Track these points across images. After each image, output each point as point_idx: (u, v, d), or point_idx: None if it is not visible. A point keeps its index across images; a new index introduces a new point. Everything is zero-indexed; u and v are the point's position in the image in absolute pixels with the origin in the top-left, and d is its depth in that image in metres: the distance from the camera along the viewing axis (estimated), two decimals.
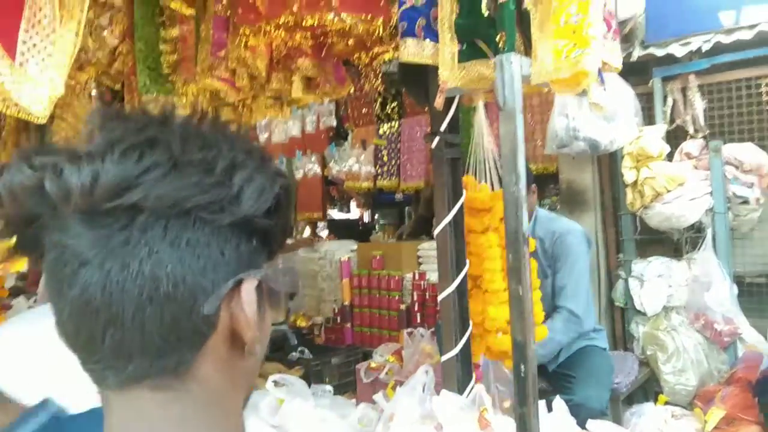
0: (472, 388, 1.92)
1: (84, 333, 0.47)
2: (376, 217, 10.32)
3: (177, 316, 0.47)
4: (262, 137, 4.34)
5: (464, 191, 1.94)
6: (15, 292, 4.46)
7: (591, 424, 1.85)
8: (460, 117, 1.97)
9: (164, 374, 0.48)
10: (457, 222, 1.92)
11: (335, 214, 10.30)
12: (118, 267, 0.45)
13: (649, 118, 3.20)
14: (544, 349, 2.47)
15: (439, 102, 1.48)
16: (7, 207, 0.47)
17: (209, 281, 0.48)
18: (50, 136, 2.58)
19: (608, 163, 3.24)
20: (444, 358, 1.92)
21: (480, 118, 1.96)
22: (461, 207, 1.92)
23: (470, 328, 1.95)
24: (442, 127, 1.83)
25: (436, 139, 1.85)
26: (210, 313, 0.48)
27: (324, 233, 8.21)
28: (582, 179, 3.24)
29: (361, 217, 10.59)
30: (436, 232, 1.90)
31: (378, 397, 2.11)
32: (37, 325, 0.91)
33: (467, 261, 1.95)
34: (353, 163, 3.91)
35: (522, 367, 1.34)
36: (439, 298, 1.93)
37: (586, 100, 2.99)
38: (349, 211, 10.99)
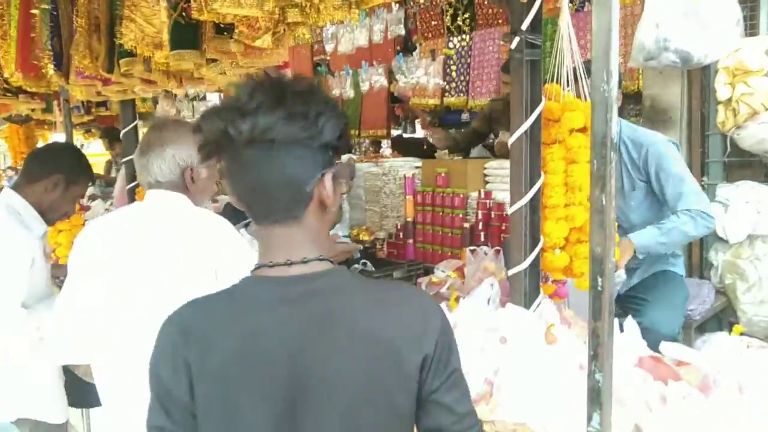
0: (539, 304, 1.87)
1: (253, 200, 0.98)
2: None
3: (294, 191, 0.96)
4: (329, 47, 4.23)
5: (544, 99, 1.81)
6: (92, 197, 4.70)
7: (664, 346, 1.77)
8: (543, 23, 1.82)
9: (290, 220, 0.99)
10: (534, 132, 1.81)
11: (399, 132, 10.15)
12: (266, 169, 0.94)
13: (751, 29, 2.90)
14: (669, 237, 2.36)
15: None
16: (204, 139, 0.97)
17: (309, 174, 0.96)
18: (120, 38, 2.57)
19: (699, 77, 2.98)
20: (512, 271, 1.87)
21: (565, 19, 1.80)
22: (539, 116, 1.80)
23: (541, 242, 1.88)
24: (524, 26, 1.69)
25: (516, 39, 1.71)
26: (310, 190, 0.97)
27: (387, 152, 8.14)
28: (668, 95, 3.01)
29: (426, 138, 10.41)
30: (510, 140, 1.80)
31: (442, 306, 2.09)
32: None
33: (542, 174, 1.85)
34: (421, 75, 3.77)
35: (599, 280, 1.26)
36: (510, 210, 1.85)
37: (680, 6, 2.73)
38: (414, 131, 10.81)
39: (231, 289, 1.00)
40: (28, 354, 2.05)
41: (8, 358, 2.10)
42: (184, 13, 2.43)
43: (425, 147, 8.92)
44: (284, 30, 2.39)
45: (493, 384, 1.72)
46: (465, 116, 8.62)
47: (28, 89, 4.02)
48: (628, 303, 2.54)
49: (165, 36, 2.48)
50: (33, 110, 4.98)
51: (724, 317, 2.90)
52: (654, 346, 2.17)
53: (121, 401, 1.80)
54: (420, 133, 10.71)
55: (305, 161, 0.95)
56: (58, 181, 2.26)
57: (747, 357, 2.36)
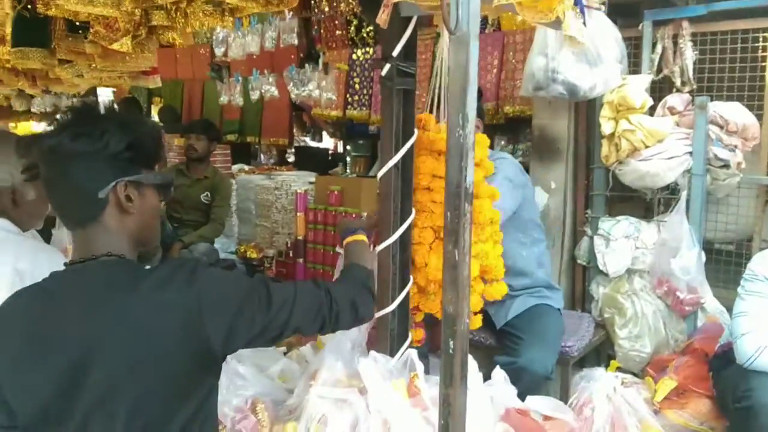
0: (404, 351, 1.74)
1: (59, 209, 1.17)
2: (348, 148, 9.98)
3: (87, 197, 1.11)
4: (219, 51, 3.97)
5: (415, 130, 1.69)
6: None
7: (530, 400, 1.69)
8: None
9: (89, 222, 1.13)
10: (406, 164, 1.68)
11: (309, 141, 9.92)
12: (60, 181, 1.12)
13: (634, 66, 2.94)
14: None
15: (383, 19, 1.20)
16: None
17: (100, 182, 1.11)
18: None
19: (585, 111, 2.99)
20: (378, 314, 1.72)
21: (444, 44, 1.69)
22: (411, 148, 1.67)
23: (410, 282, 1.75)
24: (395, 52, 1.56)
25: (387, 66, 1.58)
26: (103, 197, 1.12)
27: (291, 159, 7.89)
28: (556, 126, 3.00)
29: (335, 148, 10.23)
30: (380, 174, 1.66)
31: (306, 349, 1.93)
32: None
33: (412, 210, 1.73)
34: (313, 88, 3.60)
35: (451, 343, 1.14)
36: (378, 248, 1.71)
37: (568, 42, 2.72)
38: (321, 140, 10.60)
39: (41, 281, 1.14)
40: None
41: None
42: (29, 6, 2.13)
43: (331, 158, 8.75)
44: (146, 33, 2.15)
45: None
46: (372, 128, 8.54)
47: None
48: (504, 339, 2.48)
49: (8, 30, 2.17)
50: None
51: (602, 350, 2.92)
52: (528, 386, 2.11)
53: None
54: (327, 142, 10.53)
55: (92, 171, 1.11)
56: None
57: (620, 395, 2.35)
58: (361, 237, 1.61)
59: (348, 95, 5.73)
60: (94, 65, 2.36)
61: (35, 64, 2.22)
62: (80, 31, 2.25)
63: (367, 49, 5.64)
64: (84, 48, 2.21)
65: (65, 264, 1.15)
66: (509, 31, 4.42)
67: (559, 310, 2.60)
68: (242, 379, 1.74)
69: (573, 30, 1.26)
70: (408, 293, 1.75)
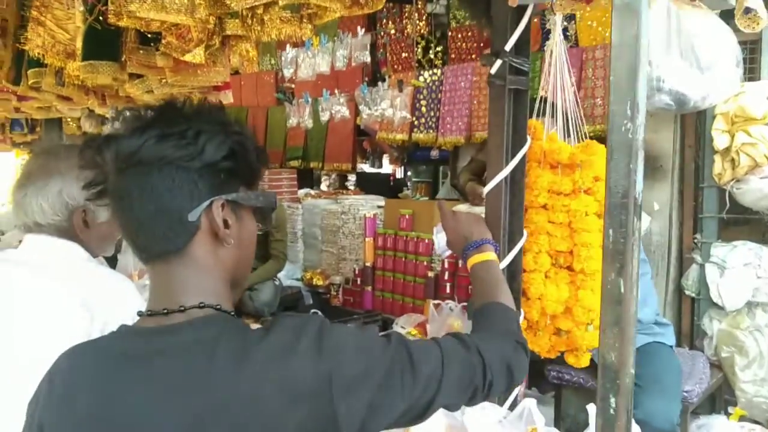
0: (516, 398, 1.47)
1: (133, 235, 0.85)
2: (408, 174, 9.83)
3: (172, 221, 0.82)
4: (288, 72, 3.87)
5: (528, 138, 1.45)
6: None
7: None
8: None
9: (170, 254, 0.84)
10: (516, 178, 1.44)
11: (366, 168, 9.83)
12: (137, 197, 0.82)
13: (750, 72, 2.62)
14: None
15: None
16: (86, 174, 0.88)
17: (191, 201, 0.82)
18: (25, 44, 2.14)
19: (694, 123, 2.68)
20: None
21: (557, 38, 1.45)
22: (523, 159, 1.43)
23: (521, 316, 1.49)
24: (508, 46, 1.33)
25: (498, 62, 1.35)
26: (193, 220, 0.83)
27: (351, 186, 7.78)
28: (659, 142, 2.70)
29: (394, 173, 10.09)
30: (486, 189, 1.43)
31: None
32: None
33: (524, 232, 1.48)
34: (387, 107, 3.42)
35: (613, 400, 0.88)
36: None
37: (675, 45, 2.44)
38: (381, 166, 10.49)
39: (104, 338, 0.88)
40: None
41: None
42: (101, 17, 2.02)
43: (392, 184, 8.60)
44: (220, 43, 2.01)
45: None
46: (434, 153, 8.35)
47: None
48: None
49: (78, 43, 2.07)
50: None
51: (719, 395, 2.55)
52: None
53: None
54: (387, 168, 10.42)
55: (184, 186, 0.82)
56: None
57: None
58: (491, 257, 1.26)
59: (414, 118, 5.58)
60: (164, 80, 2.24)
61: (105, 78, 2.11)
62: (151, 44, 2.14)
63: (435, 70, 5.48)
64: (155, 61, 2.09)
65: (140, 314, 0.87)
66: (589, 47, 4.16)
67: (671, 347, 2.28)
68: None
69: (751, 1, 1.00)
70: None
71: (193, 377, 0.77)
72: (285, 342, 0.79)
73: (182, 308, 0.82)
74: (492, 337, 1.05)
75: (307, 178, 7.90)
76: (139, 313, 0.87)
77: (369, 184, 7.35)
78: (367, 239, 3.83)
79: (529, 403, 1.39)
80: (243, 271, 0.93)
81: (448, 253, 1.56)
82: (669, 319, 2.71)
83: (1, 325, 1.29)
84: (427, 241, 3.61)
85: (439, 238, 1.50)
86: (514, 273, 1.48)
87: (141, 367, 0.80)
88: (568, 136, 1.64)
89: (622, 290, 0.85)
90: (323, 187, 7.87)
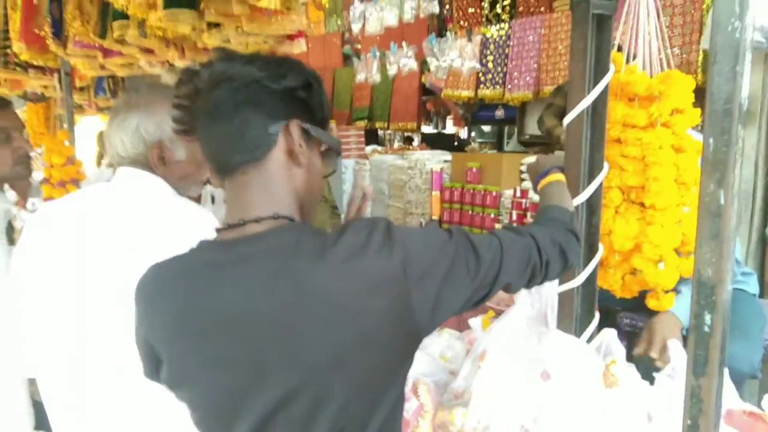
0: (593, 330, 1.46)
1: (218, 148, 0.92)
2: (472, 135, 9.69)
3: (256, 130, 0.90)
4: (356, 27, 3.85)
5: (612, 66, 1.40)
6: None
7: (766, 401, 1.35)
8: None
9: (250, 164, 0.91)
10: (598, 109, 1.40)
11: (430, 130, 9.76)
12: (227, 109, 0.89)
13: None
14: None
15: None
16: (177, 104, 0.95)
17: (273, 116, 0.91)
18: None
19: None
20: (561, 288, 1.46)
21: None
22: (606, 89, 1.39)
23: (599, 253, 1.47)
24: None
25: None
26: (273, 133, 0.91)
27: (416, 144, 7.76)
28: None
29: (457, 134, 9.97)
30: (567, 120, 1.39)
31: (475, 322, 1.68)
32: None
33: (605, 165, 1.44)
34: (455, 57, 3.36)
35: (707, 317, 0.86)
36: None
37: None
38: (444, 127, 10.38)
39: (186, 253, 0.93)
40: None
41: None
42: None
43: (456, 144, 8.51)
44: None
45: None
46: (499, 113, 8.18)
47: (34, 63, 3.73)
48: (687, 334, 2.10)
49: None
50: (46, 87, 4.71)
51: None
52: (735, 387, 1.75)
53: (69, 426, 1.46)
54: (451, 130, 10.30)
55: (266, 101, 0.91)
56: None
57: None
58: (558, 177, 1.35)
59: (480, 74, 5.47)
60: (240, 28, 2.27)
61: (185, 27, 2.17)
62: None
63: (502, 24, 5.33)
64: (232, 9, 2.13)
65: (217, 230, 0.94)
66: None
67: (755, 295, 2.19)
68: None
69: None
70: (597, 266, 1.47)
71: (277, 276, 0.83)
72: (359, 240, 0.85)
73: (258, 219, 0.89)
74: (542, 224, 1.16)
75: (372, 139, 7.93)
76: (217, 229, 0.94)
77: (433, 145, 7.32)
78: (433, 193, 3.83)
79: (608, 336, 1.38)
80: (312, 198, 0.99)
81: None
82: (752, 269, 2.59)
83: (94, 251, 1.36)
84: (494, 193, 3.58)
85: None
86: (594, 207, 1.45)
87: (225, 273, 0.86)
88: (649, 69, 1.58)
89: (722, 202, 0.82)
90: (391, 147, 7.88)
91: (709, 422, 0.87)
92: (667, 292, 1.63)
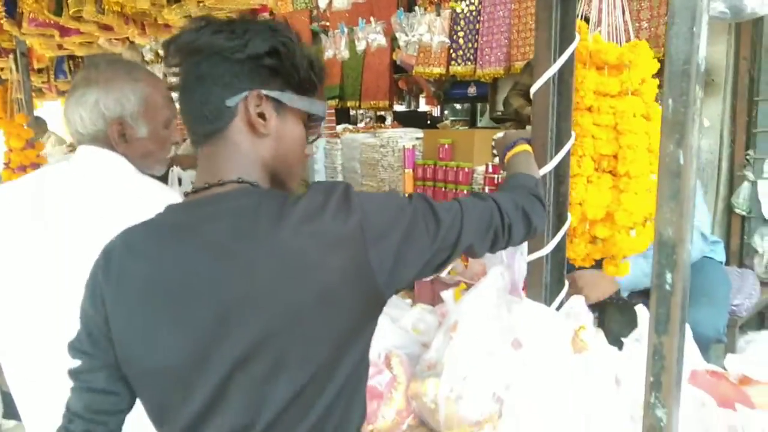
0: (562, 298, 1.48)
1: (188, 116, 0.95)
2: (445, 113, 9.69)
3: (215, 103, 0.92)
4: (323, 3, 3.79)
5: (577, 35, 1.40)
6: None
7: (730, 359, 1.38)
8: None
9: (214, 136, 0.93)
10: (564, 78, 1.40)
11: (403, 108, 9.73)
12: (191, 79, 0.92)
13: None
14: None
15: None
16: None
17: (232, 88, 0.91)
18: None
19: (750, 33, 2.55)
20: (530, 257, 1.47)
21: None
22: (571, 57, 1.39)
23: (567, 222, 1.48)
24: None
25: None
26: (231, 105, 0.92)
27: (388, 122, 7.72)
28: (711, 54, 2.57)
29: (430, 113, 9.96)
30: (533, 89, 1.39)
31: (447, 294, 1.69)
32: None
33: (572, 133, 1.45)
34: (424, 32, 3.33)
35: (668, 276, 0.87)
36: None
37: None
38: (417, 106, 10.36)
39: (153, 217, 0.95)
40: None
41: None
42: None
43: (429, 122, 8.51)
44: None
45: (503, 401, 1.34)
46: (471, 90, 8.17)
47: None
48: None
49: None
50: (2, 69, 4.56)
51: (767, 313, 2.52)
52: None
53: (36, 409, 1.43)
54: (424, 107, 10.27)
55: (226, 74, 0.91)
56: None
57: None
58: (524, 147, 1.37)
59: (451, 50, 5.44)
60: (202, 3, 2.22)
61: (143, 3, 2.10)
62: None
63: (472, 0, 5.31)
64: None
65: (185, 194, 0.95)
66: None
67: (721, 263, 2.24)
68: None
69: None
70: (565, 235, 1.49)
71: (239, 236, 0.85)
72: (317, 202, 0.87)
73: (221, 182, 0.91)
74: (506, 190, 1.18)
75: (344, 118, 7.87)
76: (185, 193, 0.96)
77: (406, 123, 7.31)
78: (406, 171, 3.81)
79: (576, 302, 1.40)
80: (286, 167, 0.99)
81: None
82: (718, 237, 2.65)
83: (58, 233, 1.33)
84: (467, 169, 3.58)
85: None
86: (562, 177, 1.46)
87: (190, 233, 0.89)
88: (614, 39, 1.59)
89: (682, 162, 0.83)
90: (361, 126, 7.84)
91: (671, 379, 0.89)
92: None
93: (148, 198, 1.35)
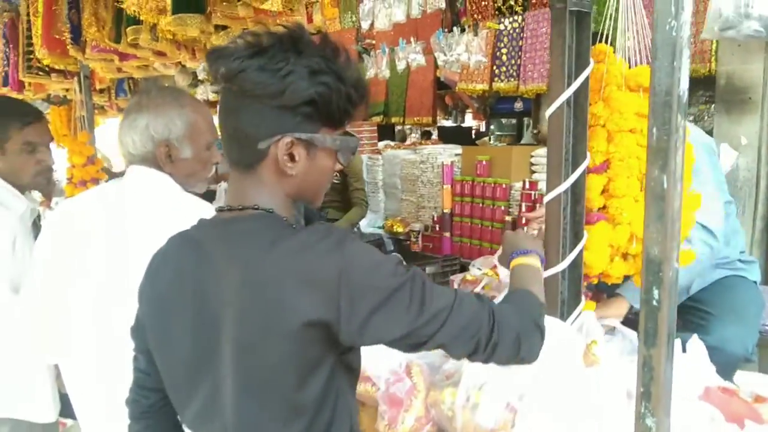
0: (579, 314, 1.52)
1: (224, 141, 1.01)
2: (491, 128, 9.70)
3: (247, 144, 0.97)
4: (365, 24, 3.93)
5: (591, 61, 1.46)
6: None
7: (740, 376, 1.40)
8: None
9: (243, 168, 1.00)
10: (579, 101, 1.46)
11: (449, 124, 9.79)
12: (230, 114, 0.97)
13: None
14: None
15: None
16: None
17: (265, 132, 0.95)
18: (122, 2, 2.34)
19: None
20: (547, 273, 1.53)
21: None
22: (585, 81, 1.45)
23: (584, 239, 1.53)
24: None
25: None
26: (263, 148, 0.96)
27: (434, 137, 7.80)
28: (748, 72, 2.57)
29: (478, 128, 9.99)
30: (548, 112, 1.46)
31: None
32: None
33: (587, 155, 1.50)
34: (462, 51, 3.42)
35: (655, 292, 0.92)
36: (546, 199, 1.51)
37: None
38: (463, 121, 10.41)
39: (189, 228, 1.06)
40: (15, 342, 1.83)
41: None
42: None
43: (475, 137, 8.53)
44: None
45: (516, 411, 1.40)
46: (518, 105, 8.17)
47: (56, 67, 3.89)
48: (687, 316, 2.14)
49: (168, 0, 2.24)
50: (67, 90, 4.88)
51: None
52: (722, 369, 1.79)
53: (92, 410, 1.57)
54: (471, 123, 10.29)
55: (260, 117, 0.95)
56: None
57: None
58: (534, 261, 1.26)
59: (495, 67, 5.49)
60: (246, 30, 2.37)
61: (193, 31, 2.27)
62: None
63: (515, 17, 5.35)
64: (237, 12, 2.23)
65: (216, 210, 1.06)
66: None
67: (755, 282, 2.22)
68: None
69: None
70: (581, 252, 1.54)
71: (238, 258, 0.94)
72: (307, 240, 0.92)
73: (241, 207, 0.99)
74: (511, 308, 1.05)
75: (388, 135, 7.99)
76: (216, 209, 1.06)
77: (451, 139, 7.39)
78: (445, 187, 3.90)
79: (588, 317, 1.44)
80: (311, 194, 1.05)
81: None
82: (756, 257, 2.62)
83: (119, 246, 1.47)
84: (504, 186, 3.63)
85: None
86: (578, 196, 1.51)
87: (204, 249, 1.00)
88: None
89: (665, 186, 0.89)
90: (408, 142, 7.94)
91: (660, 389, 0.94)
92: None
93: (189, 212, 1.48)
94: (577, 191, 1.51)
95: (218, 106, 1.01)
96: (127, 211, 1.50)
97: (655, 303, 0.92)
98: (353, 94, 0.98)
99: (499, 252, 1.43)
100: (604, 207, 1.56)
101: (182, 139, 1.54)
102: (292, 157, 0.97)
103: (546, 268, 1.55)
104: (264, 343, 0.91)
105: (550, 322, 1.47)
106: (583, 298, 1.58)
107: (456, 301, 0.96)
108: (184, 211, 1.48)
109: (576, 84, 1.42)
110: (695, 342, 1.41)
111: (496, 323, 0.98)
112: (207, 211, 1.50)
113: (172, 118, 1.53)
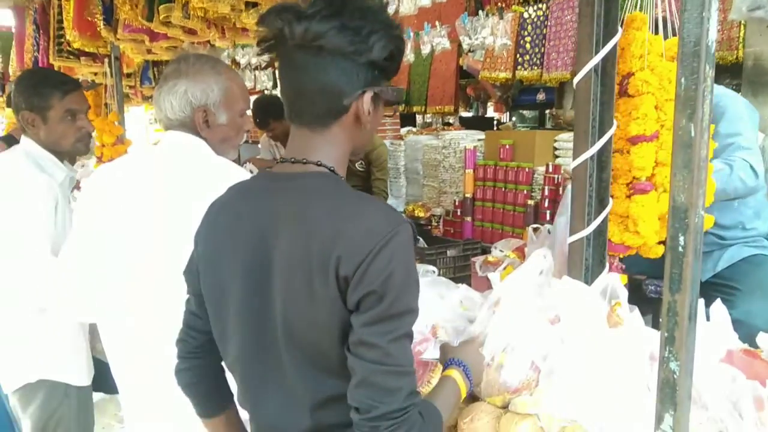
0: (602, 278, 1.55)
1: (294, 100, 1.03)
2: (513, 120, 9.68)
3: (332, 100, 1.00)
4: (391, 8, 3.96)
5: (620, 29, 1.48)
6: None
7: (762, 337, 1.42)
8: None
9: (319, 126, 1.03)
10: (606, 69, 1.48)
11: (470, 115, 9.78)
12: (310, 74, 0.98)
13: None
14: None
15: None
16: (262, 36, 1.01)
17: (350, 88, 1.00)
18: None
19: None
20: (571, 239, 1.56)
21: None
22: (614, 49, 1.47)
23: (609, 204, 1.56)
24: None
25: None
26: (347, 104, 1.01)
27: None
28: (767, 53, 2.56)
29: (500, 119, 9.98)
30: (577, 78, 1.49)
31: (494, 275, 1.79)
32: None
33: (614, 122, 1.53)
34: (487, 35, 3.43)
35: (681, 238, 0.95)
36: (572, 165, 1.54)
37: None
38: (485, 112, 10.39)
39: (248, 180, 1.14)
40: (53, 304, 1.90)
41: (35, 311, 1.96)
42: None
43: (496, 127, 8.53)
44: None
45: (539, 370, 1.43)
46: (540, 96, 8.14)
47: (86, 49, 3.97)
48: (713, 292, 2.15)
49: None
50: (96, 74, 4.98)
51: None
52: (747, 342, 1.81)
53: (132, 373, 1.63)
54: (492, 114, 10.26)
55: (348, 74, 0.99)
56: (32, 112, 2.03)
57: None
58: (460, 380, 1.27)
59: (518, 55, 5.49)
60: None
61: (224, 7, 2.33)
62: None
63: (540, 5, 5.35)
64: None
65: (276, 161, 1.12)
66: None
67: None
68: (422, 304, 1.67)
69: None
70: (606, 218, 1.56)
71: (296, 211, 0.99)
72: (366, 211, 0.96)
73: (305, 161, 1.03)
74: (426, 417, 1.00)
75: (410, 124, 8.01)
76: (276, 160, 1.16)
77: (472, 128, 7.41)
78: (467, 171, 3.92)
79: (612, 279, 1.47)
80: (362, 148, 1.13)
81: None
82: None
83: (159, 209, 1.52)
84: (527, 170, 3.65)
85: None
86: (604, 163, 1.53)
87: (266, 199, 1.05)
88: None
89: (693, 134, 0.92)
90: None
91: (683, 334, 0.97)
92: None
93: (224, 175, 1.54)
94: (603, 158, 1.54)
95: (281, 65, 1.03)
96: (165, 173, 1.56)
97: (680, 249, 0.95)
98: (402, 45, 1.05)
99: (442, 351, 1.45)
100: (652, 175, 1.57)
101: (219, 105, 1.59)
102: (369, 111, 1.03)
103: (570, 234, 1.58)
104: (310, 290, 0.94)
105: (575, 285, 1.51)
106: (606, 262, 1.61)
107: (406, 365, 0.95)
108: (220, 173, 1.54)
109: (604, 51, 1.45)
110: (718, 306, 1.43)
111: (410, 417, 0.94)
112: (242, 174, 1.56)
113: (210, 85, 1.58)
